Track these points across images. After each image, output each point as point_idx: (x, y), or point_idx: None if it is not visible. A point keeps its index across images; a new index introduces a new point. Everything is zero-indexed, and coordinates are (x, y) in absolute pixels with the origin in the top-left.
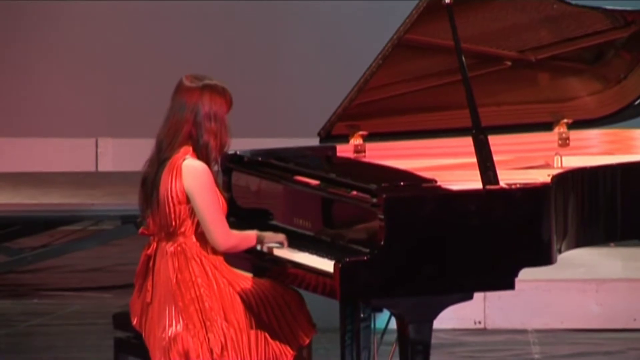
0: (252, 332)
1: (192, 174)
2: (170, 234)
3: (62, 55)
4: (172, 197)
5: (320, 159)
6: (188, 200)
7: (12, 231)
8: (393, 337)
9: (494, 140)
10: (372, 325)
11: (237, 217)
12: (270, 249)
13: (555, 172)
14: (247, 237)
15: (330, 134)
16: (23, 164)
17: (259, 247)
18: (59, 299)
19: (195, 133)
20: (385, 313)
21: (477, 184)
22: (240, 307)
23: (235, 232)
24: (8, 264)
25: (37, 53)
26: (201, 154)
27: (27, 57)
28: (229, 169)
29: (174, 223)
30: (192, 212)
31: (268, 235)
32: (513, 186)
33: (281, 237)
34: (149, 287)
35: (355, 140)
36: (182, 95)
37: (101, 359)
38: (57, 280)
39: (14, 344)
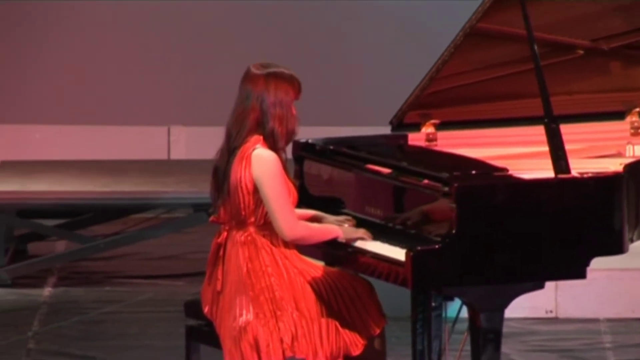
0: (323, 321)
1: (261, 163)
2: (241, 223)
3: (135, 43)
4: (242, 187)
5: (392, 148)
6: (257, 190)
7: (85, 219)
8: (464, 325)
9: (566, 129)
10: (444, 314)
11: (309, 206)
12: (348, 240)
13: (627, 161)
14: (322, 232)
15: (402, 123)
16: (96, 152)
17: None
18: (131, 287)
19: (262, 120)
20: (457, 302)
21: (549, 173)
22: (311, 296)
23: (307, 224)
24: (81, 252)
25: (110, 41)
26: (269, 141)
27: (100, 45)
28: (300, 157)
29: (243, 212)
30: (262, 202)
31: (348, 231)
32: (585, 175)
33: (361, 232)
34: (219, 276)
35: (427, 129)
36: (248, 84)
37: (173, 347)
38: (129, 268)
39: (86, 331)
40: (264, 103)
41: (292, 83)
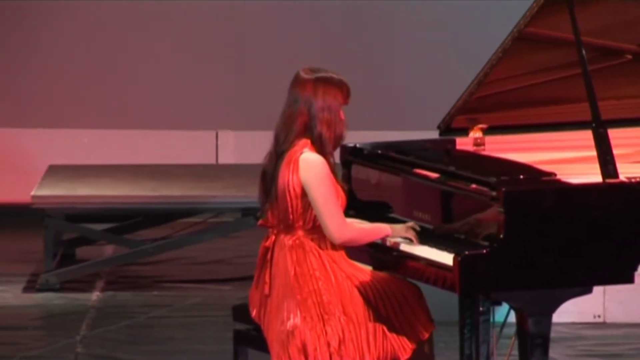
0: (370, 326)
1: (308, 167)
2: (289, 227)
3: (183, 47)
4: (290, 191)
5: (439, 152)
6: (305, 193)
7: (132, 223)
8: (512, 330)
9: (614, 134)
10: (492, 319)
11: (357, 210)
12: (396, 243)
13: None
14: (371, 232)
15: (450, 127)
16: (144, 156)
17: (380, 241)
18: (179, 291)
19: (310, 124)
20: (505, 306)
21: (597, 178)
22: (358, 300)
23: (356, 226)
24: (129, 256)
25: (158, 45)
26: (316, 145)
27: (148, 49)
28: (348, 161)
29: (291, 217)
30: (310, 206)
31: (397, 228)
32: (633, 180)
33: (411, 233)
34: (267, 279)
35: (475, 133)
36: (297, 88)
37: (221, 351)
38: (177, 272)
39: (135, 335)
40: (312, 107)
41: (341, 88)
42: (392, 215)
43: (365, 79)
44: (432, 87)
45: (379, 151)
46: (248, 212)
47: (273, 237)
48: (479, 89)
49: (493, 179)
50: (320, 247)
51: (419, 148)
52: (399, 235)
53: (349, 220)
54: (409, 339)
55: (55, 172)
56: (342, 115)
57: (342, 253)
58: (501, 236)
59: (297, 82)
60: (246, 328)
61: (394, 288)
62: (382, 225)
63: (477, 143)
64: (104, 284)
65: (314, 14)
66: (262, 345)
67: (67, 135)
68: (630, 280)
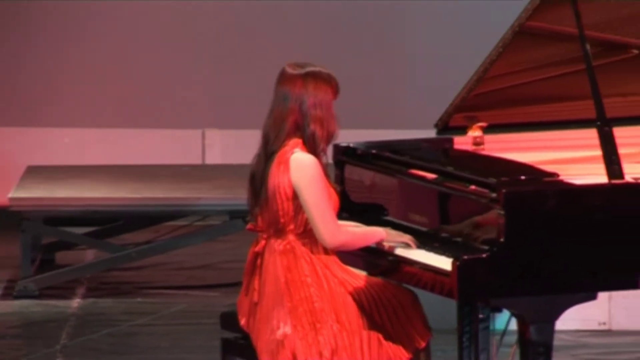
0: (365, 334)
1: (300, 167)
2: (280, 231)
3: (167, 44)
4: (280, 193)
5: (436, 152)
6: (296, 195)
7: (115, 227)
8: (513, 338)
9: (620, 133)
10: (491, 326)
11: (350, 212)
12: (391, 247)
13: None
14: (365, 236)
15: (448, 126)
16: (127, 156)
17: (374, 245)
18: (164, 298)
19: (302, 123)
20: (505, 313)
21: (602, 178)
22: (352, 307)
23: (349, 230)
24: (111, 261)
25: (142, 42)
26: (309, 144)
27: (131, 46)
28: (341, 162)
29: (282, 220)
30: (301, 209)
31: (393, 234)
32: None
33: (407, 237)
34: (256, 286)
35: (474, 132)
36: (285, 85)
37: None
38: (161, 278)
39: (117, 344)
40: (303, 105)
41: (330, 82)
42: (387, 218)
43: (358, 75)
44: (428, 84)
45: (373, 151)
46: (236, 215)
47: (263, 242)
48: (478, 86)
49: (493, 180)
50: (312, 252)
51: (415, 147)
52: (394, 240)
53: (342, 222)
54: (405, 347)
55: (34, 173)
56: (333, 111)
57: (334, 258)
58: (501, 240)
59: (285, 78)
60: (234, 337)
61: (389, 294)
62: (376, 228)
63: (476, 142)
64: (85, 290)
65: (301, 9)
66: (250, 354)
67: (46, 135)
68: (636, 285)
